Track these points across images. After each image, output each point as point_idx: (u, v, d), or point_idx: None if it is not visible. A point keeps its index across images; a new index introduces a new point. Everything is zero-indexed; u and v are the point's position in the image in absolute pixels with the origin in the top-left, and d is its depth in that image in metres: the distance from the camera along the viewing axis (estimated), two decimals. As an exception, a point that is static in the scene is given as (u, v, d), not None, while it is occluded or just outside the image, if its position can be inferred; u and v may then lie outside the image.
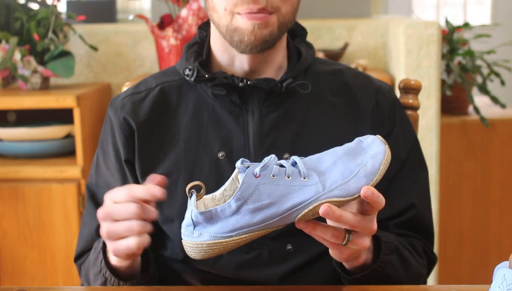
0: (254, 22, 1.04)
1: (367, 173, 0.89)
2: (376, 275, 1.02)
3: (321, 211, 0.85)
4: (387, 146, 0.93)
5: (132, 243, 0.92)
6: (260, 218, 0.87)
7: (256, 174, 0.87)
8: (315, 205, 0.87)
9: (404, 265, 1.08)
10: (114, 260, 1.02)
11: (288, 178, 0.88)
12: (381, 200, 0.89)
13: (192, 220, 0.87)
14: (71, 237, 2.20)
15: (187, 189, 0.90)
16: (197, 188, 0.90)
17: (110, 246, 0.96)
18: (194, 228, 0.87)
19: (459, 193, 2.58)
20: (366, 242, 0.92)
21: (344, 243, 0.91)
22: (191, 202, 0.88)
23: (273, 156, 0.89)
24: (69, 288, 1.41)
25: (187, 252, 0.89)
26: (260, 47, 1.07)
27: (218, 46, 1.13)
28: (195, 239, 0.88)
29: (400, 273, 1.06)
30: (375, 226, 0.92)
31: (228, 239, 0.87)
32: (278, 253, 1.10)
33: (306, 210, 0.88)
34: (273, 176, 0.88)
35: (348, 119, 1.14)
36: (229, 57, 1.13)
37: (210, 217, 0.87)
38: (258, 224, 0.87)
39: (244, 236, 0.87)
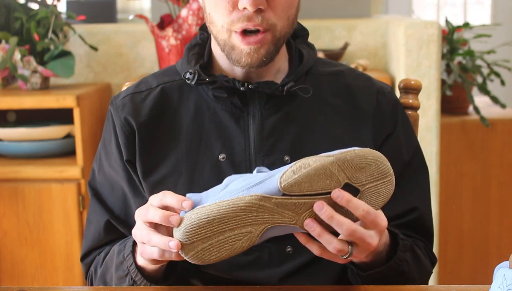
0: (250, 46, 1.04)
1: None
2: (391, 271, 1.02)
3: (316, 205, 0.88)
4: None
5: (155, 252, 0.93)
6: None
7: None
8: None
9: (417, 263, 1.08)
10: (141, 262, 1.03)
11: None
12: (354, 205, 0.89)
13: None
14: (71, 237, 2.20)
15: None
16: None
17: (139, 248, 0.97)
18: None
19: (459, 193, 2.58)
20: (364, 255, 0.93)
21: (346, 257, 0.91)
22: None
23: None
24: (69, 288, 1.41)
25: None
26: (258, 66, 1.07)
27: (219, 50, 1.12)
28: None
29: (413, 270, 1.06)
30: (374, 241, 0.92)
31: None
32: (278, 255, 1.10)
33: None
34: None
35: (349, 121, 1.13)
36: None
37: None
38: None
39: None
